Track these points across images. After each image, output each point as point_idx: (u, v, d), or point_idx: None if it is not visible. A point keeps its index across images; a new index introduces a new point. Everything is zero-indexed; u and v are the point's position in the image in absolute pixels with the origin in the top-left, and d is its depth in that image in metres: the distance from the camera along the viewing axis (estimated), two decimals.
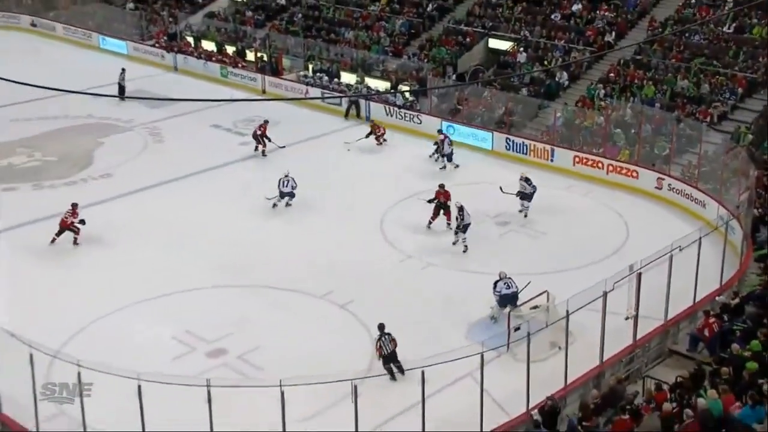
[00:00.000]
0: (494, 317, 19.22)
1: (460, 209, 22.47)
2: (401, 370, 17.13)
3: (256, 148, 29.87)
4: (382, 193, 26.35)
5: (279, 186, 25.04)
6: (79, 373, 14.28)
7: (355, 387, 13.93)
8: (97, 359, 14.58)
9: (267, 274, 21.43)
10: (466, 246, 22.56)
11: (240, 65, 39.45)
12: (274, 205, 24.99)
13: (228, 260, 22.28)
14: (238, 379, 16.39)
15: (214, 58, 40.39)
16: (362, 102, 33.44)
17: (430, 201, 23.86)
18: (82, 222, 22.82)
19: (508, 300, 18.89)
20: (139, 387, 13.91)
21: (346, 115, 33.56)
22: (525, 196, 24.35)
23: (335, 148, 30.88)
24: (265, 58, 39.20)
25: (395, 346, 17.31)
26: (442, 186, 24.01)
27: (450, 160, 28.45)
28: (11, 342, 15.54)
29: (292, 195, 25.10)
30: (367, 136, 30.37)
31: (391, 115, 33.00)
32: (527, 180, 24.29)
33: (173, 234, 23.79)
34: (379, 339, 17.36)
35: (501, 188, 24.41)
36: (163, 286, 20.79)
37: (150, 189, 26.86)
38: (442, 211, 23.65)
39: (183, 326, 19.19)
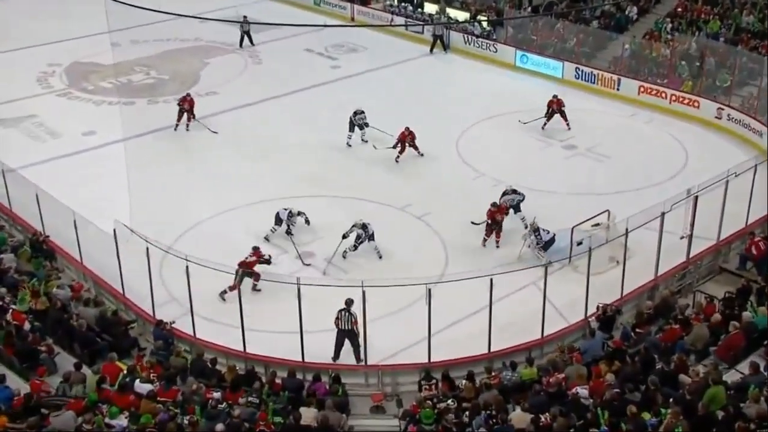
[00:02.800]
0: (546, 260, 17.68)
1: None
2: (336, 354, 15.23)
3: (177, 127, 25.24)
4: (458, 115, 26.02)
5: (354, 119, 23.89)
6: (187, 267, 14.68)
7: (429, 290, 14.08)
8: (203, 255, 14.97)
9: (352, 187, 21.50)
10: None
11: None
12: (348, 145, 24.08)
13: (318, 172, 22.44)
14: (324, 280, 16.60)
15: None
16: (446, 34, 32.75)
17: (478, 223, 19.28)
18: (267, 262, 17.61)
19: (549, 245, 18.19)
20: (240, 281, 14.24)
21: (432, 49, 32.93)
22: (518, 208, 19.78)
23: (416, 73, 30.56)
24: None
25: (354, 326, 15.02)
26: (494, 204, 19.02)
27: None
28: (132, 237, 16.05)
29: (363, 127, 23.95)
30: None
31: (469, 44, 32.41)
32: (514, 191, 19.81)
33: (269, 147, 24.04)
34: (339, 311, 15.05)
35: (473, 222, 19.51)
36: (260, 194, 21.08)
37: (250, 106, 27.03)
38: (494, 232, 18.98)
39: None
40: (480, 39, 32.20)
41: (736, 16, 29.36)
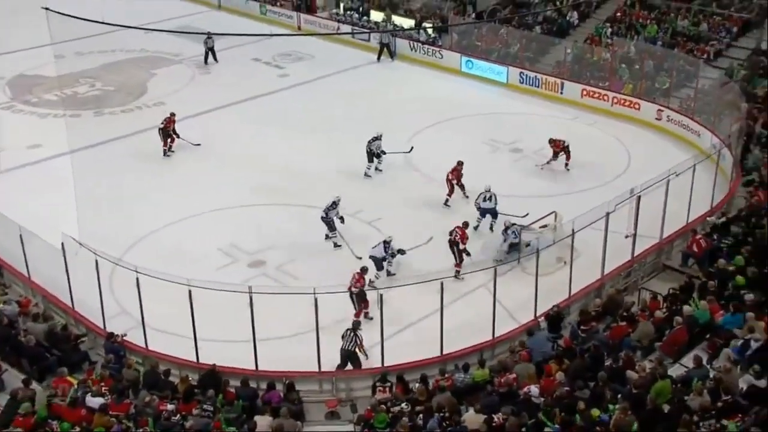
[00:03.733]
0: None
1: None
2: (356, 367, 15.05)
3: (165, 147, 24.12)
4: (406, 121, 26.07)
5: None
6: (137, 279, 14.47)
7: (381, 295, 14.09)
8: (153, 267, 14.76)
9: (302, 195, 21.39)
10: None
11: (278, 4, 38.85)
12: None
13: (267, 181, 22.29)
14: (277, 287, 16.48)
15: None
16: (392, 41, 32.83)
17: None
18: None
19: (486, 212, 19.01)
20: (190, 292, 14.12)
21: (379, 57, 32.93)
22: (495, 213, 19.57)
23: (363, 80, 30.58)
24: None
25: (354, 347, 14.92)
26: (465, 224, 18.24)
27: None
28: (80, 250, 15.77)
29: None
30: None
31: (415, 51, 32.55)
32: (491, 198, 19.52)
33: (219, 156, 23.85)
34: (346, 330, 15.00)
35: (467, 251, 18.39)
36: (210, 204, 20.90)
37: (198, 116, 26.79)
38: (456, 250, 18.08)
39: (228, 239, 19.32)
40: (426, 46, 32.38)
41: (672, 20, 29.98)
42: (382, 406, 13.10)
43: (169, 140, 24.00)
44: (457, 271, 17.56)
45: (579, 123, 26.28)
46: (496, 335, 15.63)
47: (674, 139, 24.81)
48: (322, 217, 19.10)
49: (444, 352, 15.10)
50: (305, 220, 20.25)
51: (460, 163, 20.88)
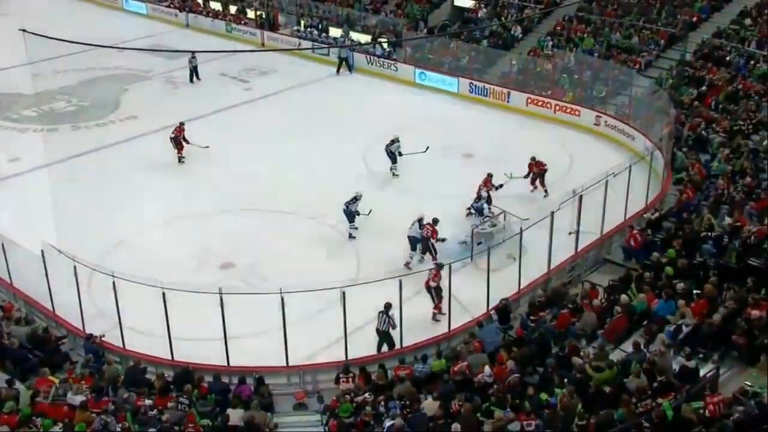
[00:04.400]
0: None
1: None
2: (390, 346, 15.46)
3: (179, 154, 24.08)
4: (364, 131, 26.07)
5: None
6: (113, 283, 14.34)
7: (343, 293, 14.08)
8: (128, 271, 14.62)
9: (269, 202, 21.33)
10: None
11: (242, 22, 38.67)
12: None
13: (235, 189, 22.18)
14: (245, 288, 16.42)
15: (220, 16, 39.59)
16: (350, 56, 32.86)
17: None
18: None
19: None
20: (164, 294, 14.02)
21: (338, 70, 32.88)
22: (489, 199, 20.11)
23: (323, 92, 30.55)
24: (264, 16, 38.42)
25: (387, 327, 15.30)
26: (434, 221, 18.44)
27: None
28: (59, 257, 15.57)
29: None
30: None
31: (372, 64, 32.60)
32: (489, 199, 19.98)
33: (189, 167, 23.68)
34: (378, 313, 15.35)
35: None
36: (182, 211, 20.76)
37: (168, 129, 26.48)
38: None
39: (199, 245, 19.22)
40: (381, 59, 32.44)
41: (606, 34, 30.40)
42: (347, 396, 13.11)
43: (180, 148, 23.87)
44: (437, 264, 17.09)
45: (525, 129, 26.51)
46: (452, 328, 15.74)
47: (612, 142, 25.15)
48: (343, 210, 19.35)
49: (404, 345, 15.17)
50: (272, 224, 20.22)
51: (489, 176, 20.56)
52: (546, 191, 21.28)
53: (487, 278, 16.04)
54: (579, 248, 18.00)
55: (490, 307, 16.04)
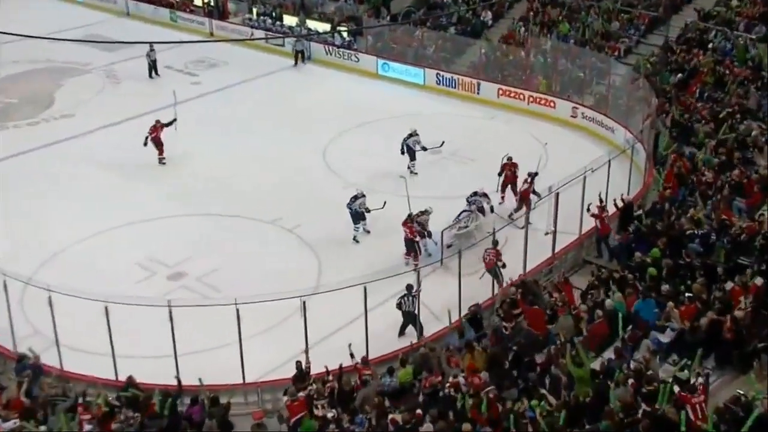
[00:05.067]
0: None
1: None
2: (401, 332, 16.33)
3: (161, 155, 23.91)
4: (323, 126, 26.07)
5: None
6: (49, 297, 14.13)
7: (304, 303, 14.05)
8: (67, 284, 14.42)
9: (221, 203, 21.23)
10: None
11: (188, 10, 38.39)
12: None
13: (183, 190, 22.07)
14: (197, 299, 16.29)
15: (164, 3, 39.15)
16: (307, 46, 32.81)
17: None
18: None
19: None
20: (106, 308, 13.84)
21: (295, 63, 32.81)
22: (482, 210, 20.03)
23: (278, 85, 30.48)
24: (212, 3, 38.17)
25: (415, 309, 16.00)
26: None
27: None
28: None
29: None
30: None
31: (331, 54, 32.59)
32: (484, 194, 20.17)
33: (132, 168, 23.40)
34: (402, 297, 16.10)
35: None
36: (125, 216, 20.52)
37: (108, 127, 26.24)
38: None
39: (145, 252, 19.02)
40: (341, 49, 32.43)
41: (583, 18, 30.66)
42: (300, 394, 13.08)
43: (161, 149, 23.55)
44: (415, 264, 17.90)
45: (496, 122, 26.72)
46: (423, 336, 15.77)
47: (589, 135, 25.44)
48: (350, 212, 19.54)
49: (370, 357, 15.14)
50: (224, 228, 20.09)
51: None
52: (518, 201, 20.53)
53: (459, 283, 16.07)
54: (557, 249, 18.13)
55: (461, 314, 16.06)
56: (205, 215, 20.82)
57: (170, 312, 13.89)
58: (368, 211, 19.58)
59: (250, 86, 30.24)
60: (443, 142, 23.11)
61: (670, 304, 14.06)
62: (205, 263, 18.55)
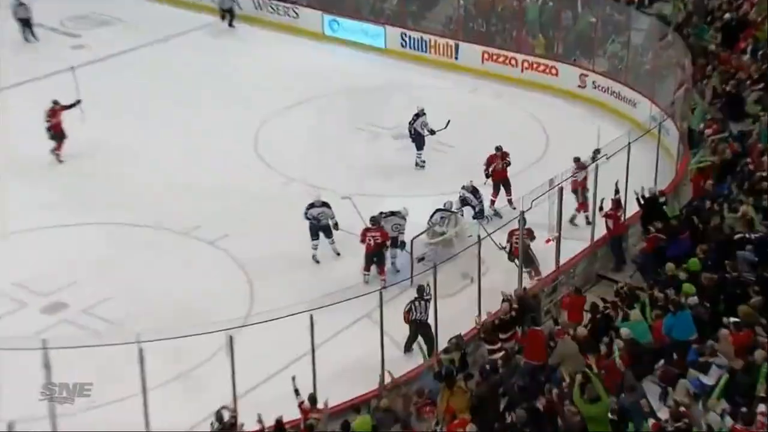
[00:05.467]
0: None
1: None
2: (407, 348, 16.85)
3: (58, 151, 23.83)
4: (253, 104, 26.07)
5: None
6: None
7: (231, 338, 13.93)
8: None
9: (116, 208, 21.11)
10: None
11: None
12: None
13: (66, 192, 21.89)
14: (83, 338, 16.12)
15: None
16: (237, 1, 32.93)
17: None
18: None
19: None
20: None
21: (222, 18, 32.89)
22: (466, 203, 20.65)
23: (192, 51, 30.52)
24: None
25: (426, 316, 16.39)
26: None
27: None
28: None
29: None
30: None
31: (262, 9, 32.61)
32: (474, 190, 20.70)
33: (1, 163, 23.12)
34: (410, 303, 16.57)
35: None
36: None
37: None
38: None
39: (10, 278, 18.81)
40: (276, 3, 32.39)
41: None
42: None
43: (60, 141, 23.44)
44: (383, 280, 18.35)
45: (481, 96, 26.85)
46: (387, 380, 15.72)
47: (603, 111, 25.67)
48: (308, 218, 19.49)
49: (328, 405, 15.06)
50: (121, 242, 19.92)
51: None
52: (511, 202, 20.54)
53: (434, 308, 16.05)
54: (562, 261, 18.23)
55: (439, 351, 16.05)
56: (96, 224, 20.69)
57: (46, 355, 13.68)
58: (337, 228, 19.45)
59: (154, 52, 30.18)
60: (449, 121, 23.17)
61: (725, 331, 13.97)
62: (95, 290, 18.37)
